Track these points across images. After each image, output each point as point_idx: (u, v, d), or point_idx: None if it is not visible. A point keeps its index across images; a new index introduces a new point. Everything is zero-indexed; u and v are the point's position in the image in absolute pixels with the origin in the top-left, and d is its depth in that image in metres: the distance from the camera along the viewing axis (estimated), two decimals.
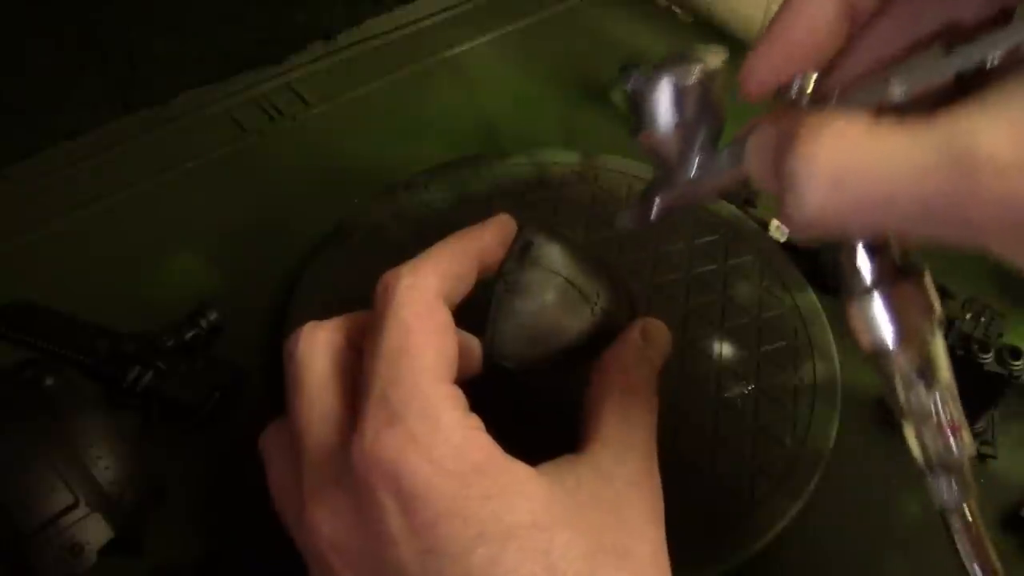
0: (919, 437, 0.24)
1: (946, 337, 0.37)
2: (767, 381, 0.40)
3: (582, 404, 0.32)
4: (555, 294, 0.31)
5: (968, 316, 0.40)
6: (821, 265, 0.45)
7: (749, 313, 0.43)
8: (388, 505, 0.25)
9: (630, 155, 0.50)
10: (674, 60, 0.27)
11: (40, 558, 0.32)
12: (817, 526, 0.37)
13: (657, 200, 0.29)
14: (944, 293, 0.43)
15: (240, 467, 0.37)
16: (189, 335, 0.41)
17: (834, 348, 0.42)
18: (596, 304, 0.32)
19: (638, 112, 0.27)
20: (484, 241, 0.32)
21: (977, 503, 0.24)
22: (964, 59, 0.20)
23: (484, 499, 0.25)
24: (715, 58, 0.27)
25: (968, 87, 0.19)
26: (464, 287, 0.31)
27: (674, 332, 0.41)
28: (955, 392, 0.23)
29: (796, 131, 0.20)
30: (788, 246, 0.46)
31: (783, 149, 0.20)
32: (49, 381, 0.36)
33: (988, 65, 0.19)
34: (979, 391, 0.38)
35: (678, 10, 0.63)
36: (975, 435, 0.40)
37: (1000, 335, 0.41)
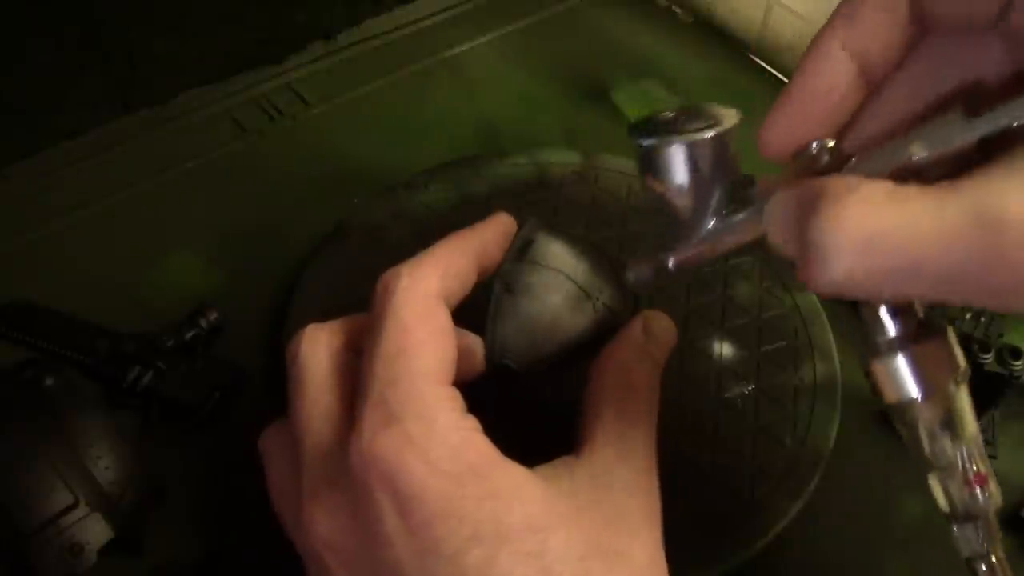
0: (944, 488, 0.24)
1: None
2: (767, 381, 0.40)
3: (579, 404, 0.32)
4: (555, 292, 0.31)
5: (968, 316, 0.40)
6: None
7: (749, 313, 0.43)
8: (384, 505, 0.25)
9: (630, 155, 0.50)
10: (687, 118, 0.27)
11: (40, 558, 0.32)
12: (817, 526, 0.37)
13: (671, 257, 0.29)
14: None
15: (240, 467, 0.37)
16: (189, 335, 0.41)
17: (834, 348, 0.42)
18: (598, 300, 0.32)
19: (651, 171, 0.27)
20: (483, 240, 0.32)
21: (1003, 550, 0.24)
22: (988, 124, 0.19)
23: (479, 500, 0.25)
24: (729, 116, 0.27)
25: (990, 149, 0.19)
26: (464, 287, 0.31)
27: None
28: (981, 445, 0.23)
29: (819, 196, 0.20)
30: None
31: (806, 214, 0.20)
32: (49, 381, 0.36)
33: (1014, 126, 0.19)
34: (979, 391, 0.38)
35: (678, 10, 0.64)
36: None
37: (1000, 335, 0.41)
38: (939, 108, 0.22)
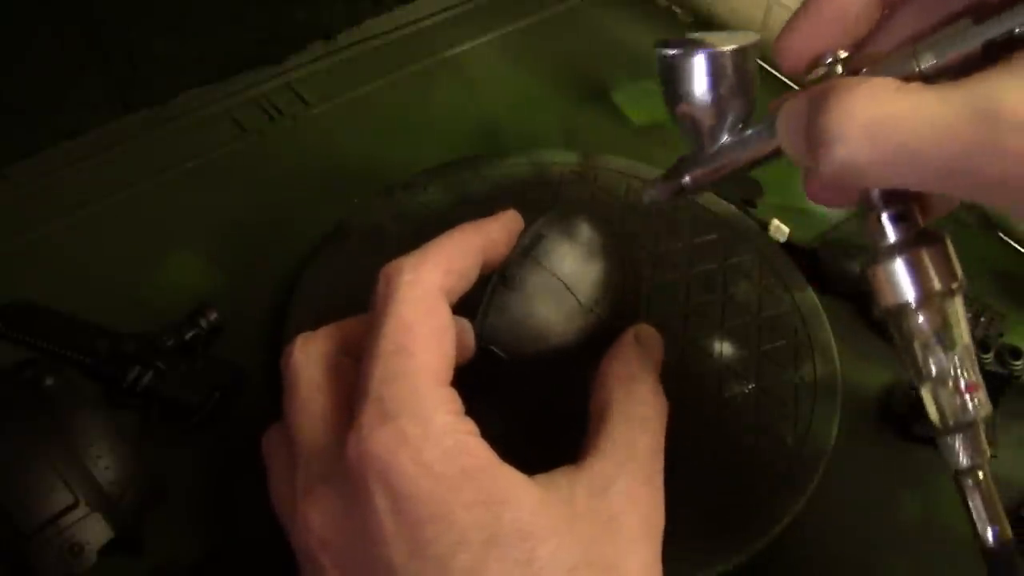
0: (935, 398, 0.24)
1: None
2: (768, 380, 0.40)
3: (583, 412, 0.31)
4: (549, 296, 0.31)
5: (968, 316, 0.40)
6: (821, 264, 0.45)
7: (749, 312, 0.43)
8: (378, 503, 0.25)
9: (629, 155, 0.50)
10: (709, 36, 0.27)
11: (40, 558, 0.32)
12: (818, 525, 0.37)
13: (687, 173, 0.29)
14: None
15: (240, 467, 0.37)
16: (189, 335, 0.41)
17: (834, 347, 0.42)
18: (592, 311, 0.32)
19: (673, 83, 0.27)
20: (489, 236, 0.32)
21: (989, 466, 0.24)
22: (992, 28, 0.20)
23: (469, 505, 0.25)
24: (749, 37, 0.27)
25: (995, 59, 0.20)
26: (466, 283, 0.31)
27: (675, 331, 0.41)
28: (973, 354, 0.24)
29: (828, 90, 0.21)
30: (788, 246, 0.46)
31: (816, 109, 0.21)
32: (49, 381, 0.36)
33: (1016, 32, 0.20)
34: None
35: (678, 10, 0.64)
36: None
37: (1000, 335, 0.41)
38: (949, 23, 0.23)
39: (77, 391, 0.37)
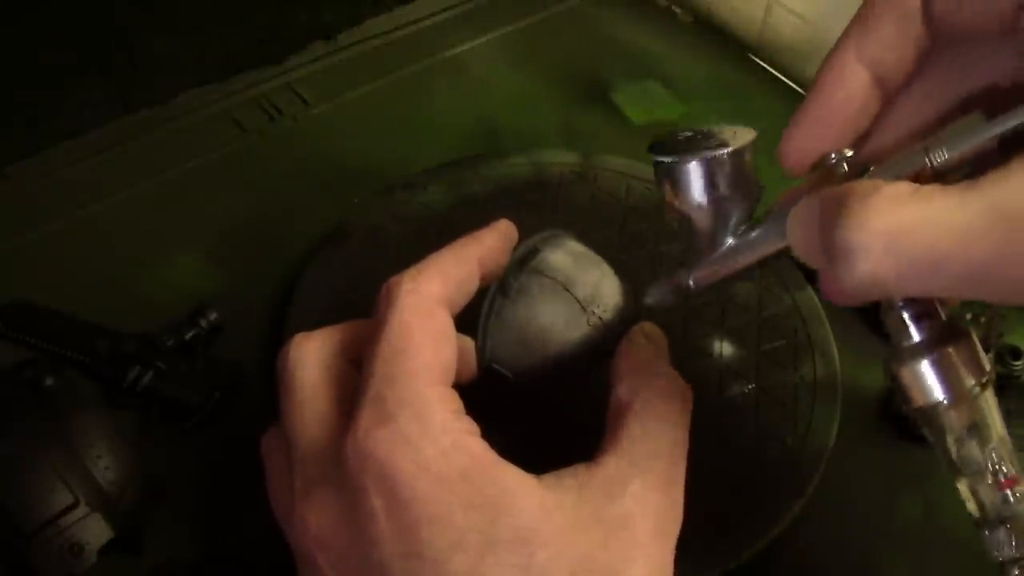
0: (974, 493, 0.24)
1: None
2: (768, 380, 0.40)
3: (590, 422, 0.31)
4: (550, 301, 0.31)
5: (968, 316, 0.40)
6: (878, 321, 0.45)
7: (749, 312, 0.43)
8: (375, 503, 0.25)
9: (629, 155, 0.50)
10: (704, 136, 0.27)
11: (40, 558, 0.32)
12: (818, 525, 0.37)
13: (693, 275, 0.29)
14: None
15: (240, 467, 0.37)
16: (189, 335, 0.41)
17: (834, 346, 0.42)
18: (594, 315, 0.32)
19: (670, 189, 0.27)
20: (485, 246, 0.31)
21: None
22: (1007, 123, 0.20)
23: (467, 508, 0.25)
24: (745, 134, 0.27)
25: (1010, 152, 0.19)
26: (466, 294, 0.31)
27: (675, 332, 0.41)
28: (1010, 446, 0.24)
29: (843, 198, 0.20)
30: (788, 248, 0.46)
31: (830, 218, 0.20)
32: (49, 381, 0.36)
33: None
34: None
35: (678, 10, 0.64)
36: None
37: (1000, 335, 0.41)
38: (954, 115, 0.23)
39: (77, 391, 0.37)
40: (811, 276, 0.45)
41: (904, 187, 0.20)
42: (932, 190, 0.19)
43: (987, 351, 0.38)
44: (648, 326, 0.33)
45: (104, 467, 0.34)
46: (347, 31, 0.59)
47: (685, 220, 0.28)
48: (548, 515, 0.26)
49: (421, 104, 0.55)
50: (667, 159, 0.27)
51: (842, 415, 0.39)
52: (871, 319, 0.44)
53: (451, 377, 0.28)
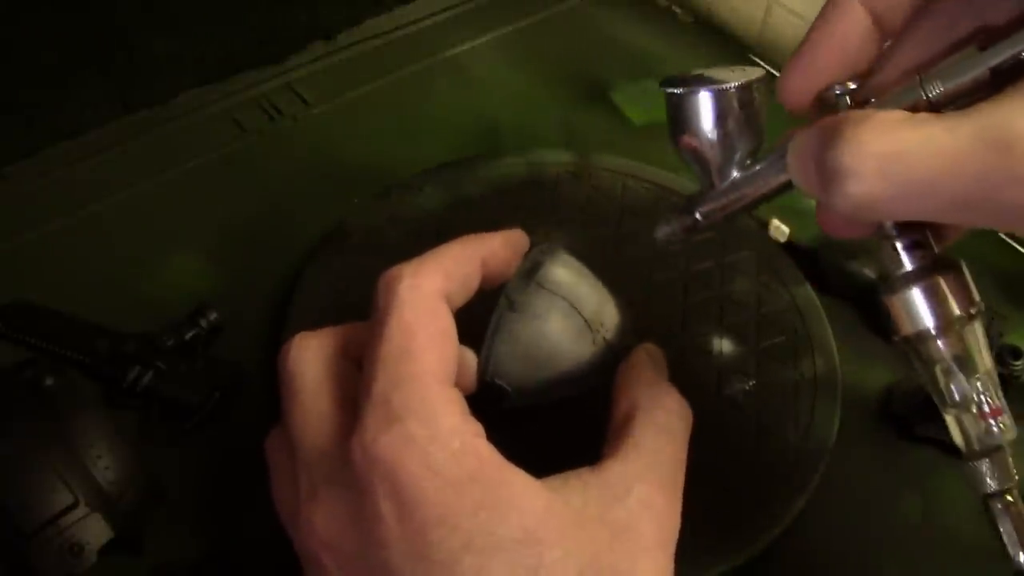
0: (960, 424, 0.24)
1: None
2: (768, 377, 0.40)
3: (590, 440, 0.31)
4: (557, 319, 0.31)
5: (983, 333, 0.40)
6: (821, 264, 0.45)
7: (748, 309, 0.43)
8: (383, 506, 0.25)
9: (629, 155, 0.50)
10: (715, 72, 0.28)
11: (40, 558, 0.32)
12: (819, 524, 0.37)
13: (699, 209, 0.29)
14: None
15: (240, 467, 0.37)
16: (189, 335, 0.41)
17: (833, 342, 0.42)
18: (599, 334, 0.32)
19: (680, 121, 0.28)
20: (491, 247, 0.31)
21: (1019, 487, 0.24)
22: (999, 54, 0.20)
23: (476, 509, 0.25)
24: (755, 72, 0.27)
25: (1003, 85, 0.20)
26: (467, 291, 0.30)
27: (674, 329, 0.41)
28: (995, 378, 0.24)
29: (838, 125, 0.21)
30: (788, 246, 0.46)
31: (826, 144, 0.21)
32: (49, 381, 0.36)
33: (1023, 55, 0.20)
34: None
35: (678, 10, 0.64)
36: None
37: (1000, 335, 0.41)
38: (953, 52, 0.23)
39: (77, 391, 0.37)
40: (811, 276, 0.45)
41: (898, 114, 0.20)
42: (925, 117, 0.20)
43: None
44: (650, 347, 0.33)
45: (104, 467, 0.34)
46: (347, 31, 0.59)
47: (693, 153, 0.28)
48: (555, 516, 0.26)
49: (421, 104, 0.55)
50: (679, 90, 0.27)
51: (842, 415, 0.39)
52: (870, 316, 0.44)
53: (454, 376, 0.28)
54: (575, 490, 0.27)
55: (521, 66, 0.58)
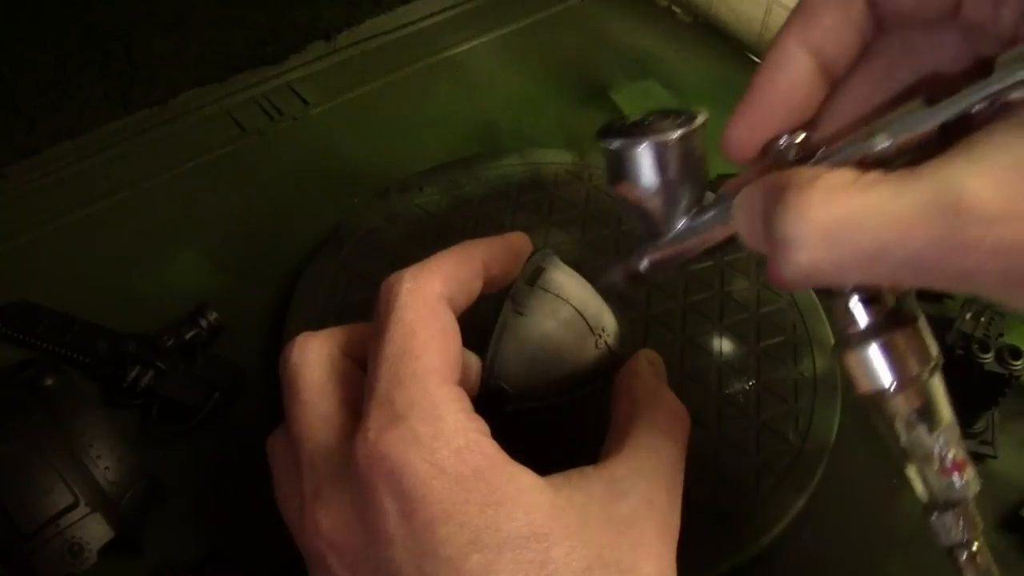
0: (923, 478, 0.23)
1: (945, 337, 0.38)
2: (768, 376, 0.40)
3: (590, 446, 0.31)
4: (562, 322, 0.31)
5: (968, 316, 0.40)
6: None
7: (747, 309, 0.43)
8: (387, 504, 0.25)
9: None
10: (654, 120, 0.27)
11: (40, 558, 0.32)
12: (819, 523, 0.37)
13: (644, 260, 0.29)
14: (944, 293, 0.43)
15: (240, 467, 0.37)
16: (189, 335, 0.41)
17: (833, 342, 0.42)
18: (600, 338, 0.32)
19: (621, 174, 0.27)
20: (491, 250, 0.31)
21: (985, 540, 0.24)
22: (947, 111, 0.20)
23: (482, 506, 0.25)
24: (695, 120, 0.26)
25: (951, 136, 0.19)
26: (468, 294, 0.30)
27: (674, 329, 0.41)
28: (957, 432, 0.23)
29: (783, 187, 0.20)
30: None
31: (771, 208, 0.20)
32: (49, 381, 0.36)
33: (973, 111, 0.19)
34: (979, 391, 0.38)
35: (678, 10, 0.64)
36: (975, 435, 0.40)
37: (1000, 335, 0.41)
38: (901, 99, 0.22)
39: (77, 391, 0.37)
40: None
41: (843, 176, 0.19)
42: (872, 179, 0.19)
43: (987, 351, 0.39)
44: (651, 353, 0.34)
45: (104, 467, 0.34)
46: (347, 31, 0.59)
47: (635, 205, 0.27)
48: (560, 513, 0.26)
49: (421, 104, 0.55)
50: (618, 143, 0.26)
51: (842, 414, 0.39)
52: None
53: (457, 373, 0.28)
54: (578, 487, 0.27)
55: (521, 66, 0.58)
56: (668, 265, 0.28)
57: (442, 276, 0.29)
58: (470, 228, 0.45)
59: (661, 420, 0.30)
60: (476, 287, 0.31)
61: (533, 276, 0.32)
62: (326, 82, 0.56)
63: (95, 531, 0.33)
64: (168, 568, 0.35)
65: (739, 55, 0.60)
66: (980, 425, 0.40)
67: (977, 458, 0.39)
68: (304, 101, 0.55)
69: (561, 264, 0.33)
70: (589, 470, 0.28)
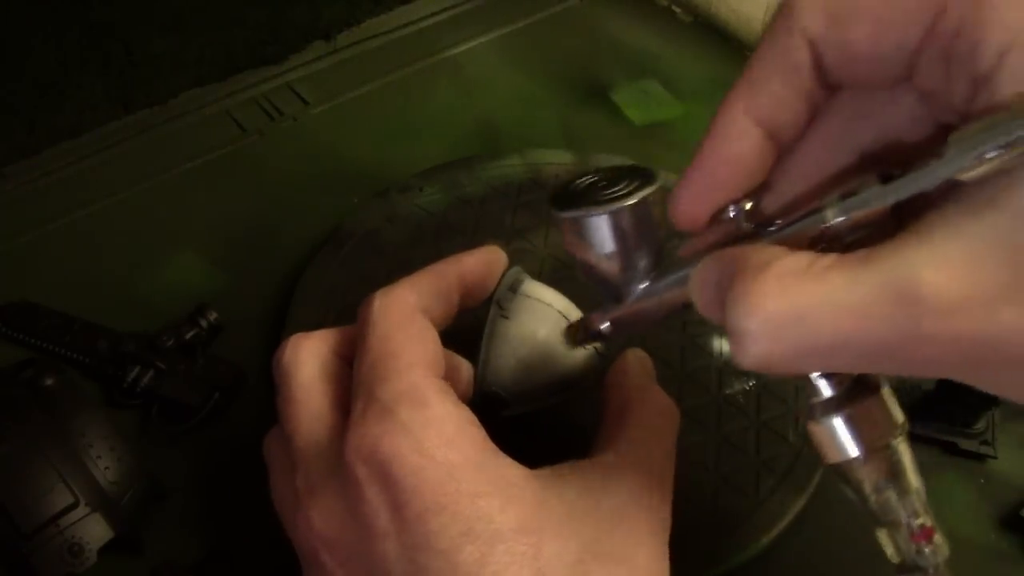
0: (893, 541, 0.23)
1: None
2: (768, 377, 0.40)
3: (579, 444, 0.31)
4: (548, 324, 0.32)
5: None
6: None
7: None
8: (378, 497, 0.25)
9: (629, 155, 0.50)
10: (608, 183, 0.27)
11: (40, 558, 0.32)
12: (820, 523, 0.37)
13: (605, 321, 0.29)
14: None
15: (240, 467, 0.37)
16: (189, 335, 0.41)
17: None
18: (588, 344, 0.32)
19: (577, 242, 0.27)
20: (466, 264, 0.32)
21: None
22: (900, 191, 0.19)
23: (474, 496, 0.25)
24: (651, 180, 0.26)
25: (905, 213, 0.19)
26: (446, 306, 0.31)
27: (674, 329, 0.41)
28: (924, 498, 0.23)
29: (735, 275, 0.19)
30: None
31: (724, 293, 0.20)
32: (49, 381, 0.36)
33: (925, 190, 0.19)
34: (979, 391, 0.38)
35: (678, 10, 0.64)
36: (975, 435, 0.40)
37: None
38: (857, 167, 0.22)
39: (77, 391, 0.37)
40: None
41: (796, 261, 0.19)
42: (825, 265, 0.18)
43: None
44: (638, 351, 0.34)
45: (104, 467, 0.34)
46: (347, 31, 0.59)
47: (593, 274, 0.27)
48: (551, 506, 0.26)
49: (421, 104, 0.55)
50: (570, 214, 0.26)
51: None
52: None
53: (441, 372, 0.28)
54: (569, 481, 0.27)
55: (521, 66, 0.58)
56: (630, 326, 0.28)
57: (414, 289, 0.30)
58: (470, 228, 0.45)
59: (650, 415, 0.30)
60: (454, 298, 0.31)
61: (515, 284, 0.32)
62: (326, 82, 0.56)
63: (95, 531, 0.33)
64: (168, 568, 0.35)
65: (739, 55, 0.60)
66: (980, 425, 0.40)
67: (977, 458, 0.40)
68: (304, 101, 0.55)
69: (529, 277, 0.33)
70: (580, 464, 0.28)
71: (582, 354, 0.32)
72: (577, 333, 0.31)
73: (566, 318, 0.32)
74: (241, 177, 0.50)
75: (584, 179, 0.28)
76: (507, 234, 0.44)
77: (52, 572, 0.32)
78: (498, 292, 0.32)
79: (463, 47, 0.59)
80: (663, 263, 0.27)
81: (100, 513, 0.33)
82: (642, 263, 0.27)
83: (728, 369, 0.40)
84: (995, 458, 0.39)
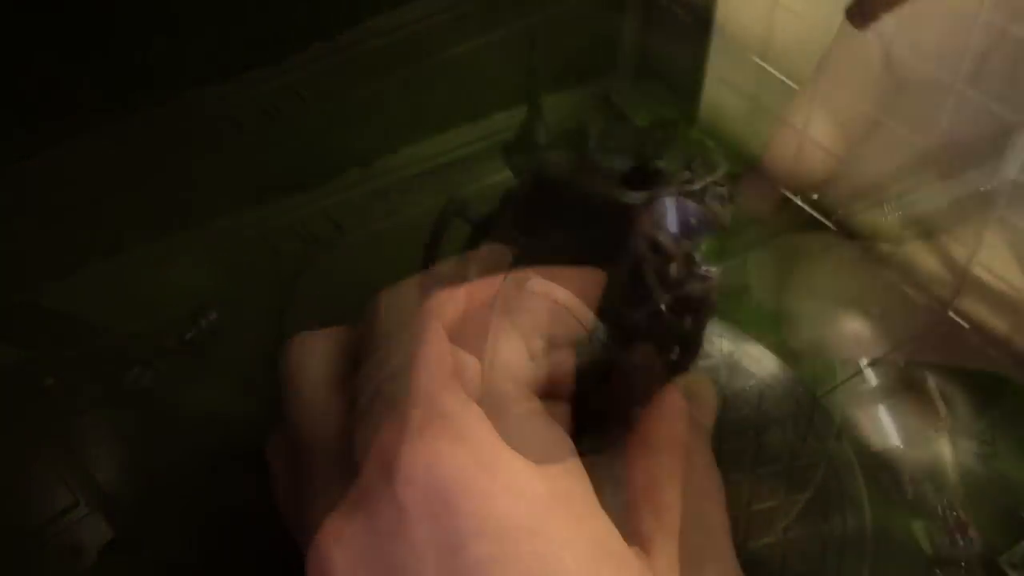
0: (928, 533, 0.23)
1: None
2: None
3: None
4: None
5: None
6: None
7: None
8: (389, 493, 0.25)
9: (627, 155, 0.50)
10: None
11: (40, 558, 0.32)
12: (821, 520, 0.37)
13: None
14: None
15: (240, 467, 0.37)
16: (189, 335, 0.41)
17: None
18: (594, 334, 0.32)
19: None
20: (468, 266, 0.32)
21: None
22: (958, 189, 0.20)
23: (485, 494, 0.25)
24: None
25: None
26: (452, 304, 0.30)
27: None
28: (960, 494, 0.23)
29: None
30: None
31: None
32: (49, 381, 0.36)
33: None
34: (979, 391, 0.38)
35: (678, 10, 0.63)
36: (975, 435, 0.40)
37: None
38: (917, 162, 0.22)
39: (77, 391, 0.37)
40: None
41: None
42: None
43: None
44: (695, 382, 0.31)
45: (104, 467, 0.35)
46: (347, 31, 0.59)
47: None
48: (560, 504, 0.26)
49: (421, 104, 0.55)
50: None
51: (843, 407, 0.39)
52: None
53: (448, 367, 0.28)
54: (579, 478, 0.27)
55: (521, 66, 0.58)
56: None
57: (419, 287, 0.29)
58: (470, 228, 0.45)
59: (663, 410, 0.30)
60: (459, 297, 0.31)
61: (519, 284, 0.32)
62: (326, 82, 0.56)
63: (95, 531, 0.33)
64: (168, 568, 0.35)
65: (739, 55, 0.60)
66: (980, 425, 0.40)
67: (977, 458, 0.39)
68: (304, 101, 0.55)
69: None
70: (589, 460, 0.28)
71: (587, 350, 0.32)
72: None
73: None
74: (241, 177, 0.50)
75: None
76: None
77: (52, 572, 0.32)
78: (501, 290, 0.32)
79: (463, 47, 0.59)
80: None
81: (100, 513, 0.33)
82: None
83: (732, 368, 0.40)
84: (995, 458, 0.39)
